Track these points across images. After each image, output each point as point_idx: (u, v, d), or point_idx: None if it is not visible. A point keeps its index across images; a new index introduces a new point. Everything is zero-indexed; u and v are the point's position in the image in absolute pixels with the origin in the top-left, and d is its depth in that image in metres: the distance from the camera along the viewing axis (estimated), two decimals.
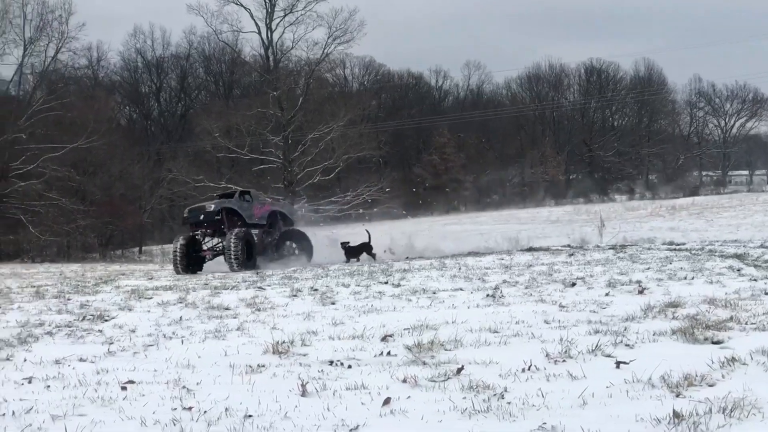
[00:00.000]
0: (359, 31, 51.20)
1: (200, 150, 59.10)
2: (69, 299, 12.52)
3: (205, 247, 24.13)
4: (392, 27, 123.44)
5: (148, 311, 10.54)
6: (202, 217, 23.93)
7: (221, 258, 23.46)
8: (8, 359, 7.18)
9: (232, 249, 22.56)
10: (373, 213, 48.78)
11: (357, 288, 12.76)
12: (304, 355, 6.92)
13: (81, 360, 7.02)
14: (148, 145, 70.95)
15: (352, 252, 24.70)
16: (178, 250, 23.45)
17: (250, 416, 4.88)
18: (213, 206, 24.11)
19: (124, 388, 5.76)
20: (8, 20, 53.93)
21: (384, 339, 7.55)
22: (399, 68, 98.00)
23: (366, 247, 24.68)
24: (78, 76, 68.55)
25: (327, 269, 18.73)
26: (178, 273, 22.59)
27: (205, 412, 5.01)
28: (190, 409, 5.11)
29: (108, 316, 10.03)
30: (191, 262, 23.54)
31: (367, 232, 25.60)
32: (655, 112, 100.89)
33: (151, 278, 18.60)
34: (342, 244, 25.37)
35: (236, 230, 23.09)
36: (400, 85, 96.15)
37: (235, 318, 9.48)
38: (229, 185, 47.53)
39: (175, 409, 5.14)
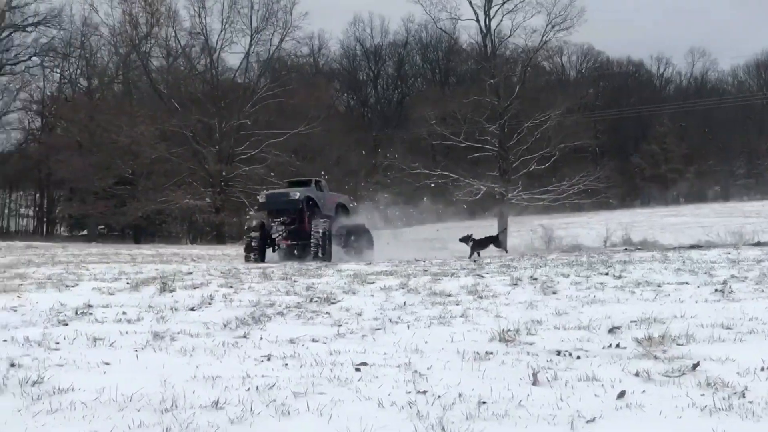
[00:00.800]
0: (579, 17, 50.26)
1: (416, 137, 59.73)
2: (295, 281, 12.95)
3: (275, 235, 23.36)
4: (612, 13, 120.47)
5: (372, 296, 10.76)
6: (285, 204, 23.35)
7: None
8: (245, 337, 7.50)
9: (320, 240, 22.14)
10: (588, 203, 48.03)
11: (577, 278, 12.61)
12: (531, 344, 6.90)
13: (313, 340, 7.25)
14: (364, 132, 72.42)
15: (478, 245, 23.28)
16: (255, 236, 22.90)
17: (483, 403, 4.91)
18: (298, 194, 23.47)
19: (358, 369, 5.91)
20: (236, 10, 56.18)
21: (611, 331, 7.44)
22: (618, 55, 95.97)
23: (494, 240, 23.68)
24: (300, 64, 70.73)
25: (545, 258, 18.57)
26: (250, 261, 22.20)
27: (439, 396, 5.08)
28: (424, 392, 5.19)
29: (334, 299, 10.30)
30: (262, 249, 23.12)
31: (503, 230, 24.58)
32: None
33: (369, 263, 18.95)
34: (463, 238, 23.84)
35: (322, 220, 22.65)
36: (619, 73, 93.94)
37: (458, 305, 9.55)
38: (444, 172, 47.87)
39: (410, 392, 5.24)
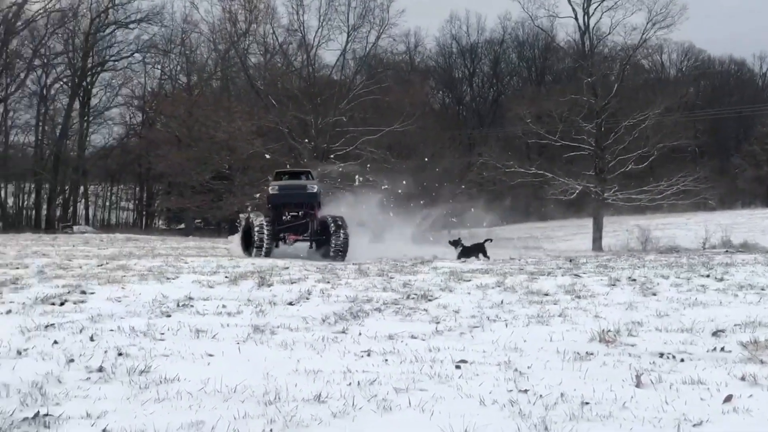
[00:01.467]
0: (681, 15, 49.47)
1: (511, 135, 59.43)
2: (392, 278, 12.97)
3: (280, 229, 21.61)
4: (715, 9, 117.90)
5: (468, 293, 10.72)
6: (302, 197, 21.84)
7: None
8: (343, 332, 7.56)
9: (345, 240, 21.01)
10: (686, 204, 47.14)
11: (677, 280, 12.37)
12: (632, 345, 6.81)
13: (412, 337, 7.27)
14: (459, 130, 72.19)
15: (466, 252, 21.98)
16: (266, 229, 20.88)
17: (586, 403, 4.87)
18: (316, 188, 22.07)
19: (458, 367, 5.91)
20: (334, 8, 56.55)
21: (715, 334, 7.30)
22: (720, 54, 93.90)
23: (481, 248, 22.24)
24: (396, 62, 70.77)
25: (642, 259, 18.28)
26: (257, 255, 20.40)
27: (541, 396, 5.05)
28: (525, 391, 5.17)
29: (431, 296, 10.30)
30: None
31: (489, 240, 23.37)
32: None
33: (464, 261, 18.89)
34: (453, 242, 22.93)
35: (339, 217, 21.57)
36: (720, 72, 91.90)
37: (555, 304, 9.47)
38: (539, 171, 47.50)
39: (511, 390, 5.22)
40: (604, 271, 14.42)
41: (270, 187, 22.30)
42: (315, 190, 21.96)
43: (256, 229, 20.77)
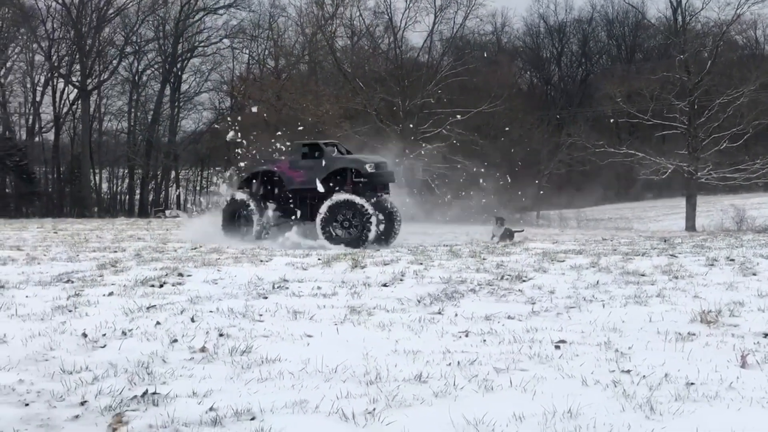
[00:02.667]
0: None
1: (600, 115, 58.60)
2: (485, 259, 12.93)
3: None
4: None
5: (563, 274, 10.63)
6: (390, 177, 19.77)
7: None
8: (439, 313, 7.56)
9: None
10: None
11: None
12: (735, 326, 6.68)
13: (509, 317, 7.24)
14: (548, 110, 71.46)
15: (506, 235, 20.68)
16: (224, 208, 20.06)
17: (692, 384, 4.80)
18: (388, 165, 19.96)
19: (557, 347, 5.88)
20: None
21: None
22: None
23: (510, 236, 20.76)
24: (483, 42, 70.37)
25: (740, 239, 17.90)
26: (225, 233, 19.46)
27: (644, 376, 4.99)
28: (628, 372, 5.11)
29: (525, 276, 10.23)
30: None
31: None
32: None
33: (555, 242, 18.73)
34: (498, 218, 21.69)
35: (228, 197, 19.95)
36: None
37: (652, 285, 9.32)
38: (630, 150, 46.83)
39: (613, 371, 5.16)
40: (700, 251, 14.16)
41: (367, 165, 18.99)
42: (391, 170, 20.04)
43: (369, 211, 18.21)
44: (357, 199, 18.20)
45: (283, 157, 21.59)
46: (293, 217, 19.33)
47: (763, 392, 4.64)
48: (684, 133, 46.73)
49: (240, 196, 19.75)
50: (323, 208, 18.32)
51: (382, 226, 18.75)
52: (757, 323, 6.75)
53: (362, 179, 19.05)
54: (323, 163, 19.23)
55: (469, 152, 49.42)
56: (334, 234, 18.24)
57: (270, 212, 19.48)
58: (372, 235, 18.12)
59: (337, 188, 18.87)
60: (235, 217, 19.73)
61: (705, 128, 45.40)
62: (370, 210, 18.15)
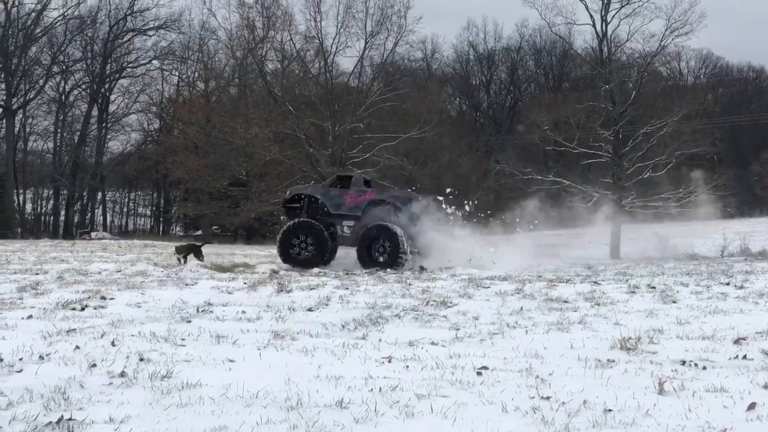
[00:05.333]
0: (699, 23, 49.02)
1: (528, 143, 59.26)
2: (410, 284, 12.98)
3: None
4: (733, 17, 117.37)
5: (488, 300, 10.72)
6: (283, 204, 21.98)
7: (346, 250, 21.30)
8: (363, 338, 7.56)
9: (277, 241, 20.54)
10: (703, 212, 46.93)
11: (697, 288, 12.36)
12: (654, 353, 6.79)
13: (432, 343, 7.27)
14: (476, 137, 72.17)
15: (184, 249, 20.33)
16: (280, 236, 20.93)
17: (609, 410, 4.85)
18: (288, 192, 22.21)
19: (479, 374, 5.90)
20: (351, 15, 56.61)
21: (737, 342, 7.26)
22: (738, 61, 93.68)
23: (195, 249, 20.46)
24: (413, 69, 70.82)
25: (662, 267, 18.23)
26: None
27: (563, 402, 5.03)
28: (548, 398, 5.15)
29: (450, 302, 10.29)
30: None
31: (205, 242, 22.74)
32: None
33: (482, 268, 18.85)
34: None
35: (289, 223, 20.79)
36: (738, 79, 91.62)
37: (575, 311, 9.45)
38: (557, 178, 47.42)
39: (533, 397, 5.20)
40: (623, 278, 14.40)
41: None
42: (287, 196, 22.27)
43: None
44: (395, 229, 19.95)
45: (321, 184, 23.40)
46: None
47: (680, 419, 4.71)
48: (609, 161, 47.47)
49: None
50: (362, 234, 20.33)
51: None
52: (676, 350, 6.87)
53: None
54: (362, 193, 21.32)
55: (398, 177, 49.63)
56: (371, 257, 19.99)
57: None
58: (406, 262, 19.69)
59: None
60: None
61: (629, 157, 46.18)
62: (404, 239, 19.84)
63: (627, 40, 52.87)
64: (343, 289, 11.88)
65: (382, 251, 19.89)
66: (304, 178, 53.40)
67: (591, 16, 51.47)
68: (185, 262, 18.97)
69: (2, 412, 4.76)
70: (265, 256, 25.34)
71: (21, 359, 6.18)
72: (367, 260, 19.73)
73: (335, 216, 20.95)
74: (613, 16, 50.61)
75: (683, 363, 6.35)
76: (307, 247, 20.24)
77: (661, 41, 49.84)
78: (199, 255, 19.84)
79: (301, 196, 21.73)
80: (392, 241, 19.79)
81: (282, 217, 24.91)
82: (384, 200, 21.08)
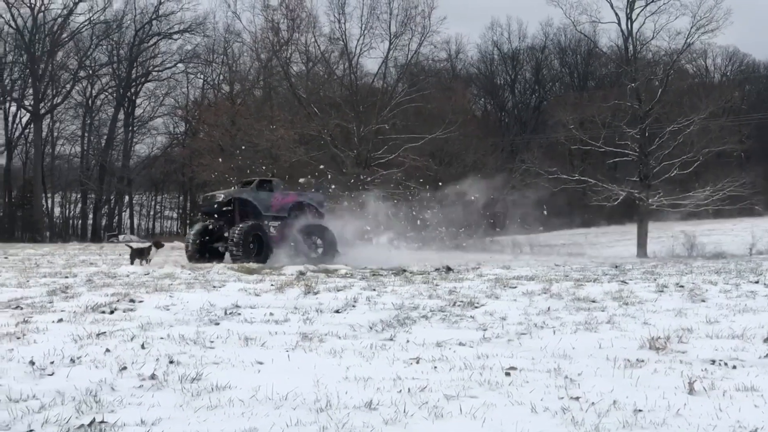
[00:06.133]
0: (725, 19, 48.87)
1: (553, 142, 59.15)
2: (437, 285, 12.97)
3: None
4: (759, 13, 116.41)
5: (515, 300, 10.69)
6: (214, 206, 23.03)
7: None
8: (391, 339, 7.56)
9: (233, 242, 21.54)
10: (732, 210, 46.67)
11: (726, 286, 12.29)
12: (683, 353, 6.75)
13: (460, 344, 7.26)
14: (501, 137, 72.05)
15: (136, 254, 20.39)
16: (191, 239, 22.75)
17: (639, 410, 4.84)
18: (222, 196, 23.11)
19: (507, 374, 5.89)
20: (376, 16, 56.68)
21: (767, 340, 7.22)
22: (765, 58, 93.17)
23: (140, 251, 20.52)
24: (437, 69, 70.76)
25: (690, 265, 18.13)
26: (190, 262, 21.72)
27: (593, 403, 5.02)
28: (577, 399, 5.14)
29: (477, 303, 10.27)
30: (206, 251, 22.61)
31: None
32: None
33: (508, 268, 18.83)
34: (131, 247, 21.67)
35: (242, 225, 21.97)
36: (765, 76, 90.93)
37: (603, 311, 9.41)
38: (582, 177, 47.27)
39: (562, 398, 5.19)
40: (650, 277, 14.33)
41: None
42: (221, 199, 23.26)
43: (187, 239, 22.57)
44: (324, 225, 23.58)
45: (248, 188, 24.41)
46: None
47: (710, 419, 4.69)
48: (635, 160, 47.30)
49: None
50: (300, 231, 22.78)
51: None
52: (705, 350, 6.83)
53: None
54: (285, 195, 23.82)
55: (424, 178, 49.59)
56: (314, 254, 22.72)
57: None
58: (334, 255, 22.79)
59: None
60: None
61: (656, 156, 46.00)
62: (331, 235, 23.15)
63: (652, 38, 52.77)
64: (370, 291, 11.89)
65: (315, 247, 22.96)
66: (330, 179, 53.51)
67: (616, 14, 51.41)
68: (142, 264, 19.35)
69: (35, 415, 4.80)
70: None
71: (52, 362, 6.23)
72: (302, 255, 21.99)
73: (265, 217, 22.91)
74: (639, 14, 50.51)
75: (713, 362, 6.31)
76: (257, 247, 22.06)
77: (687, 38, 49.71)
78: (143, 256, 20.15)
79: (231, 200, 22.94)
80: (324, 238, 23.14)
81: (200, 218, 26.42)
82: (303, 202, 23.82)
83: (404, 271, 17.30)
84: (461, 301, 10.40)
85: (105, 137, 71.49)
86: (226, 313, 9.18)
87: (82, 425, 4.58)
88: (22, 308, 9.49)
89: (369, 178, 50.42)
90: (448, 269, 17.91)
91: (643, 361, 6.36)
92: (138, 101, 73.06)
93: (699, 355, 6.60)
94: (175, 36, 71.39)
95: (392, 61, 60.09)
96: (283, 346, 7.03)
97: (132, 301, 10.18)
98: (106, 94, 72.63)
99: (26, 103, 66.96)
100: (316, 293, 11.44)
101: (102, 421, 4.63)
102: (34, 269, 17.66)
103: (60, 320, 8.45)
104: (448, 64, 79.96)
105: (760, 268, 16.25)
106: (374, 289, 12.09)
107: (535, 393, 5.32)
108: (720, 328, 7.96)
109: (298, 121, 54.77)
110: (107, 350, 6.71)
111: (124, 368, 6.02)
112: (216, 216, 23.02)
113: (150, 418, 4.73)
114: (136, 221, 76.93)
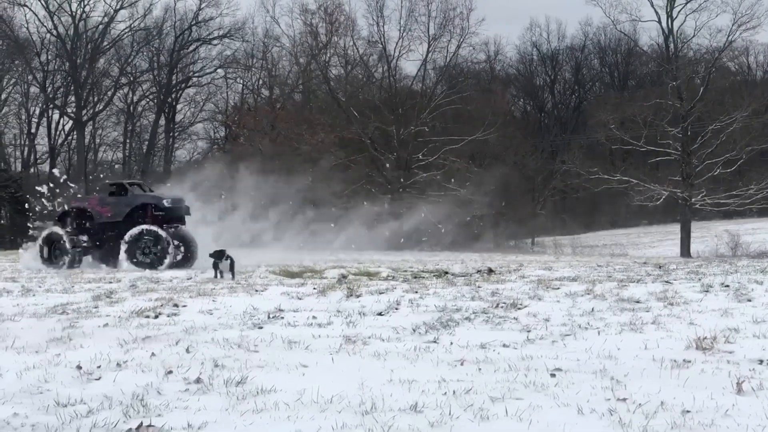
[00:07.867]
0: (767, 16, 48.47)
1: (594, 142, 58.83)
2: (479, 287, 12.94)
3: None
4: None
5: (558, 301, 10.63)
6: (60, 213, 23.95)
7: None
8: (435, 341, 7.54)
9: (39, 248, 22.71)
10: None
11: None
12: (730, 353, 6.67)
13: (504, 346, 7.23)
14: (541, 138, 71.75)
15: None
16: (40, 242, 23.15)
17: (687, 411, 4.79)
18: (66, 206, 24.05)
19: (553, 375, 5.86)
20: (414, 18, 56.74)
21: None
22: None
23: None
24: (476, 71, 70.67)
25: (734, 265, 17.93)
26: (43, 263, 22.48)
27: (640, 404, 4.97)
28: (624, 400, 5.10)
29: (520, 304, 10.23)
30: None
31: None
32: None
33: (550, 269, 18.74)
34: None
35: (44, 233, 22.97)
36: None
37: (647, 311, 9.33)
38: (624, 177, 46.97)
39: (609, 399, 5.15)
40: (695, 277, 14.19)
41: (164, 200, 22.83)
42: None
43: (167, 239, 21.61)
44: (155, 229, 21.60)
45: (94, 194, 26.34)
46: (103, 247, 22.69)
47: (759, 419, 4.63)
48: (677, 159, 46.94)
49: (55, 230, 22.99)
50: (127, 237, 21.66)
51: (180, 254, 21.95)
52: (753, 350, 6.75)
53: (161, 213, 22.43)
54: (127, 199, 22.89)
55: (463, 180, 49.54)
56: (136, 259, 21.56)
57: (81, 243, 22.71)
58: (169, 259, 21.33)
59: (140, 220, 22.20)
60: (51, 249, 22.90)
61: (698, 154, 45.64)
62: (168, 238, 21.46)
63: (693, 36, 52.40)
64: (412, 293, 11.88)
65: (148, 252, 21.77)
66: (370, 182, 53.59)
67: (656, 13, 51.08)
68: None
69: (83, 420, 4.85)
70: (333, 261, 25.43)
71: (99, 367, 6.29)
72: (133, 261, 21.55)
73: (101, 224, 22.80)
74: (679, 12, 50.17)
75: (761, 362, 6.24)
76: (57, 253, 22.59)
77: (728, 36, 49.32)
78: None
79: (72, 208, 23.49)
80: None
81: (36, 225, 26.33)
82: (148, 204, 22.71)
83: (446, 273, 17.28)
84: (504, 303, 10.36)
85: (146, 143, 72.13)
86: (269, 317, 9.21)
87: (130, 429, 4.61)
88: (68, 313, 9.59)
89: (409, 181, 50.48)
90: (490, 271, 17.86)
91: (689, 361, 6.29)
92: (178, 107, 73.56)
93: (746, 355, 6.52)
94: (215, 42, 71.78)
95: (431, 63, 60.20)
96: (326, 349, 7.04)
97: (176, 305, 10.26)
98: (147, 100, 73.26)
99: (68, 110, 67.73)
100: (358, 296, 11.46)
101: (149, 425, 4.66)
102: (79, 275, 17.85)
103: (105, 325, 8.53)
104: (487, 66, 79.68)
105: None
106: (416, 292, 12.08)
107: (581, 394, 5.28)
108: (767, 328, 7.86)
109: (337, 124, 54.97)
110: (153, 354, 6.76)
111: (170, 372, 6.06)
112: (59, 223, 23.60)
113: (196, 421, 4.75)
114: None
